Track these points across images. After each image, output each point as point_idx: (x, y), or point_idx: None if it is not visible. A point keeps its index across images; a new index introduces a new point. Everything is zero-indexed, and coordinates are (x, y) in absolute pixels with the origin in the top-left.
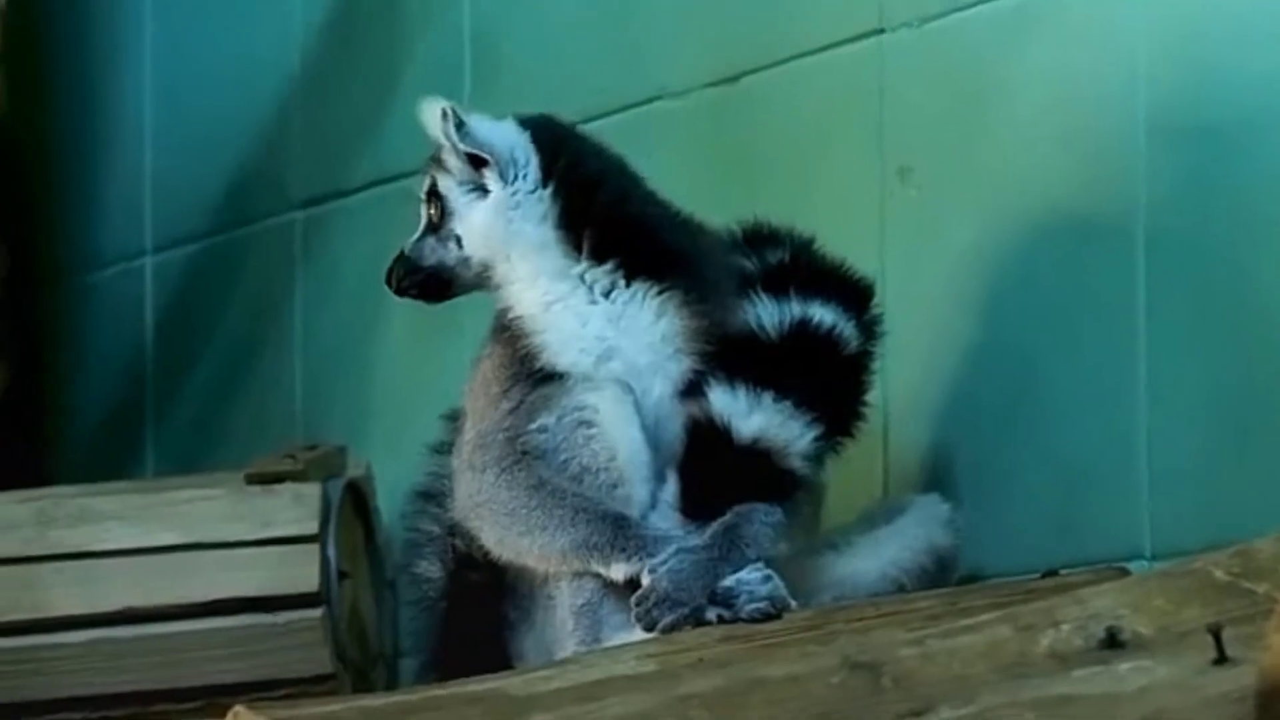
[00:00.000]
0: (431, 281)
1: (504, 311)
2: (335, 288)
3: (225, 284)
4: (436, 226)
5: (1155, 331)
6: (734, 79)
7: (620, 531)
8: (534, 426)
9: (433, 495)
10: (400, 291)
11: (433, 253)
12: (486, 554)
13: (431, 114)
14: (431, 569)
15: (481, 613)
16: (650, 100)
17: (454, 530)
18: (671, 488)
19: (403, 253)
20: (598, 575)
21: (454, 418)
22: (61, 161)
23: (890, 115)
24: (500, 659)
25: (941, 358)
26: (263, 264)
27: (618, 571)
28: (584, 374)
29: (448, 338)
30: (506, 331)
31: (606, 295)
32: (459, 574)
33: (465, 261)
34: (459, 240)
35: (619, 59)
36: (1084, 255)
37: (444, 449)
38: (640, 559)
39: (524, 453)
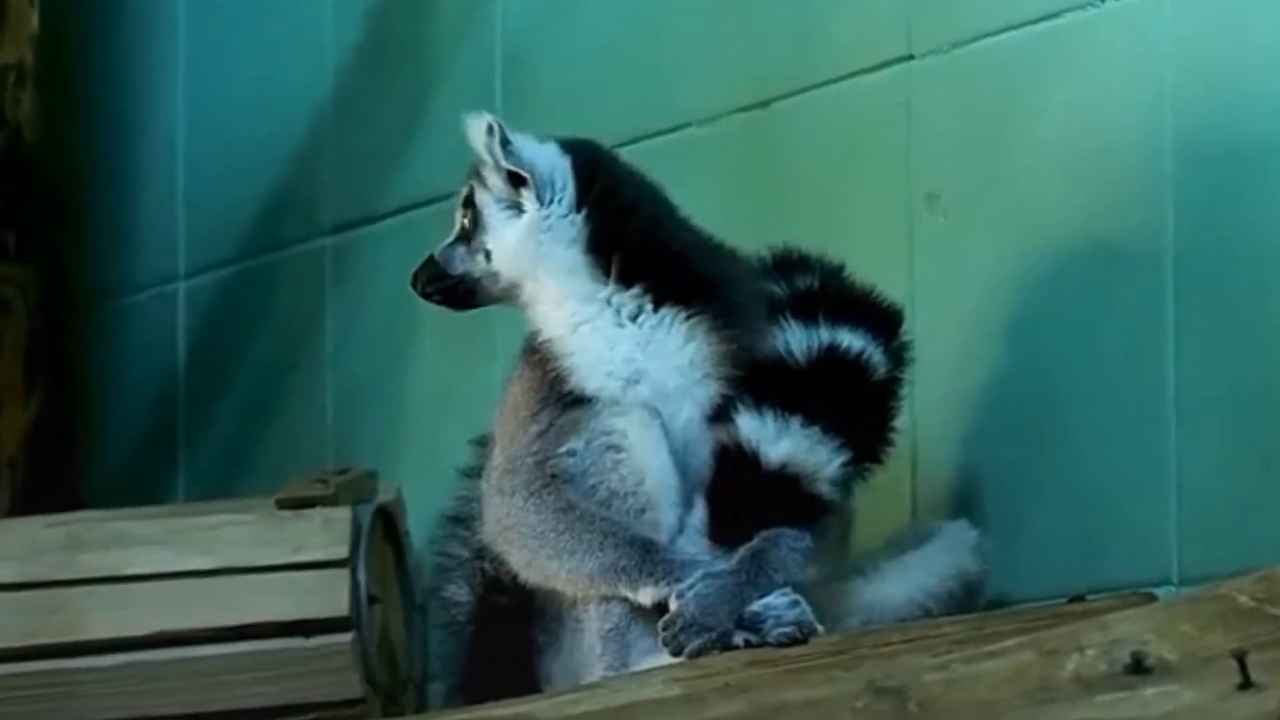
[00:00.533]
0: (457, 290)
1: (534, 334)
2: (366, 312)
3: (257, 309)
4: (468, 236)
5: (1183, 356)
6: (763, 105)
7: (648, 556)
8: (562, 450)
9: (462, 519)
10: (424, 295)
11: (461, 262)
12: (515, 578)
13: (477, 128)
14: (460, 593)
15: (509, 636)
16: (680, 127)
17: (483, 554)
18: (699, 513)
19: (432, 257)
20: (625, 600)
21: (483, 442)
22: (94, 186)
23: (918, 141)
24: (528, 683)
25: (969, 382)
26: (294, 289)
27: (645, 596)
28: (612, 398)
29: (479, 361)
30: (536, 354)
31: (634, 319)
32: (487, 598)
33: (493, 276)
34: (488, 254)
35: (649, 85)
36: (1112, 280)
37: (473, 473)
38: (668, 583)
39: (553, 476)
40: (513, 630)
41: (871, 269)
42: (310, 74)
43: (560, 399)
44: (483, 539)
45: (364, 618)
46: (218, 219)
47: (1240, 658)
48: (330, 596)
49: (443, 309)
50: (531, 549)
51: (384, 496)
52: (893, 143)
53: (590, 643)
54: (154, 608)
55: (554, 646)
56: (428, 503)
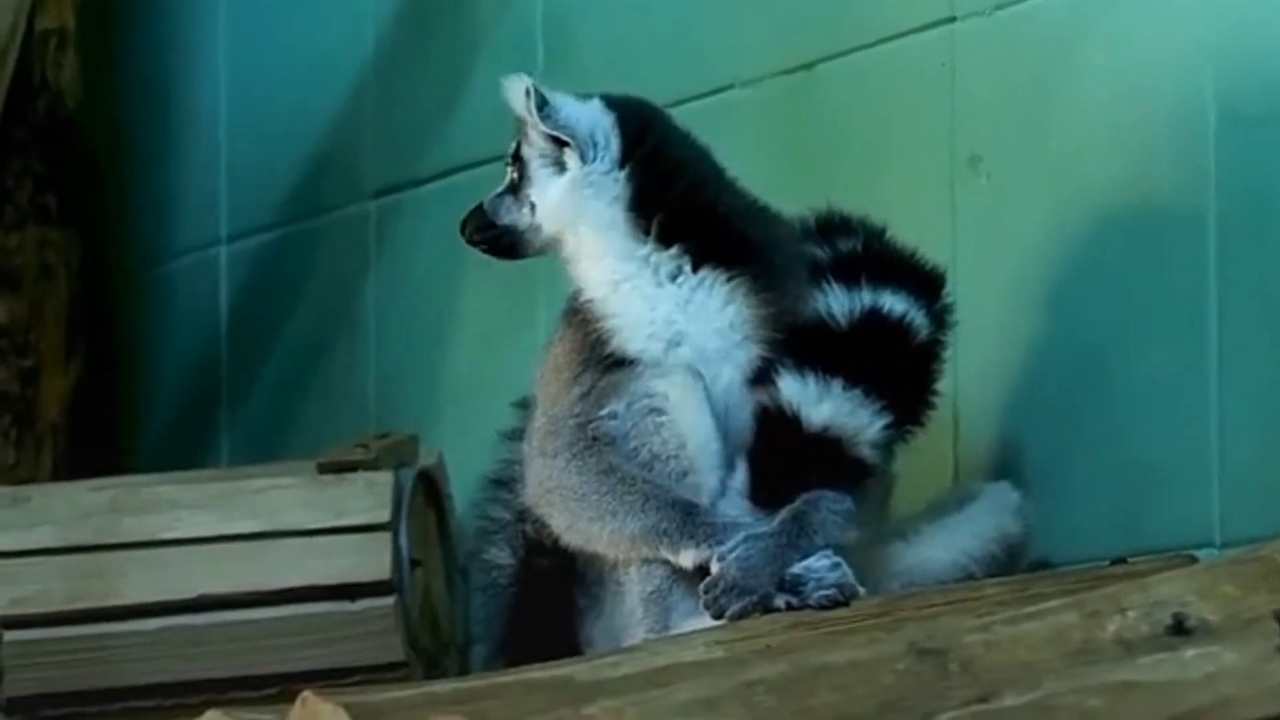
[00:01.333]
0: (501, 240)
1: (576, 295)
2: (409, 277)
3: (299, 274)
4: (515, 188)
5: (1226, 319)
6: (806, 67)
7: (690, 519)
8: (604, 413)
9: (504, 482)
10: (470, 242)
11: (507, 212)
12: (556, 540)
13: (515, 92)
14: (501, 555)
15: (551, 599)
16: (723, 89)
17: (524, 516)
18: (741, 475)
19: (481, 205)
20: (666, 562)
21: (525, 405)
22: (136, 152)
23: (961, 103)
24: (569, 646)
25: (1012, 346)
26: (336, 253)
27: (687, 558)
28: (654, 360)
29: (521, 326)
30: (578, 316)
31: (673, 279)
32: (529, 560)
33: (536, 229)
34: (533, 207)
35: (691, 47)
36: (1154, 243)
37: (515, 436)
38: (709, 546)
39: (594, 439)
40: (554, 593)
41: (913, 232)
42: (352, 37)
43: (602, 361)
44: (524, 501)
45: (406, 581)
46: (260, 183)
47: None
48: (372, 560)
49: (489, 272)
50: (573, 511)
51: (426, 460)
52: (935, 105)
53: (631, 606)
54: (196, 572)
55: (595, 609)
56: (469, 467)
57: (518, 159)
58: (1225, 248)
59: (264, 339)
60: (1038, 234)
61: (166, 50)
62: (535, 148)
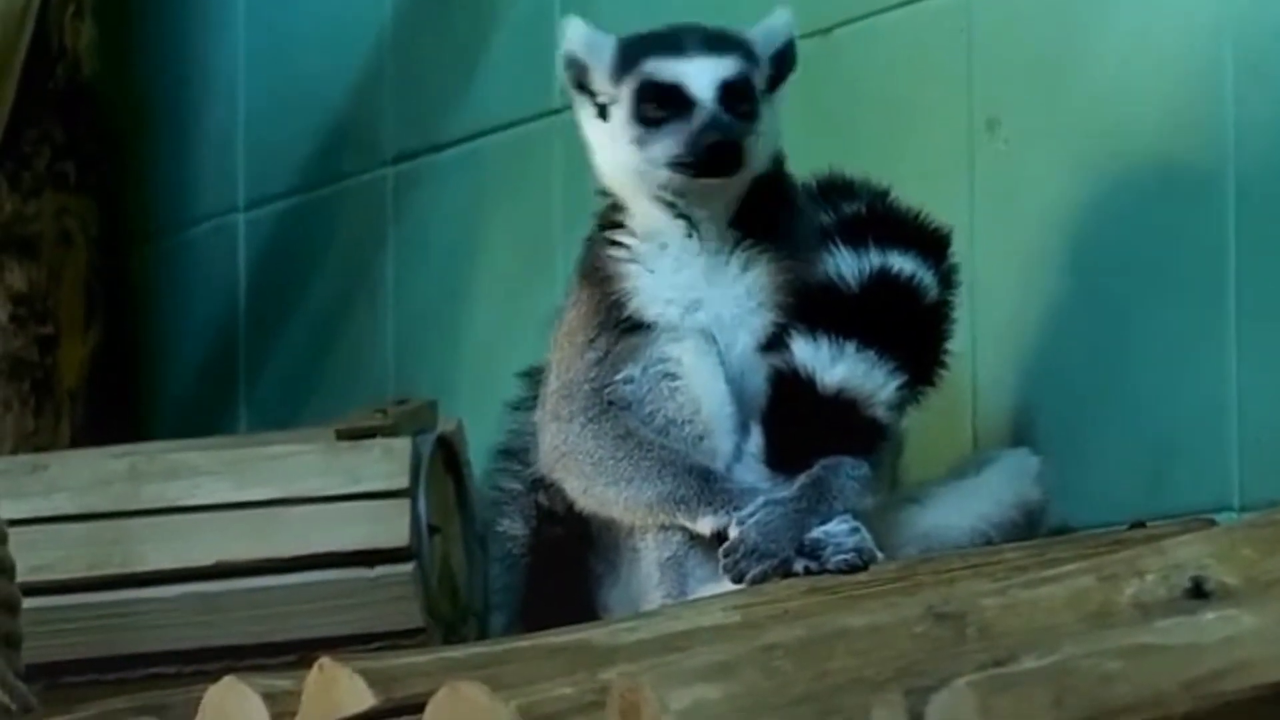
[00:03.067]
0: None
1: (590, 257)
2: (427, 243)
3: (317, 240)
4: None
5: (1245, 282)
6: (824, 31)
7: (707, 484)
8: (620, 377)
9: (514, 452)
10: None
11: None
12: (570, 508)
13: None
14: (515, 526)
15: (566, 567)
16: None
17: (536, 486)
18: (756, 440)
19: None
20: (683, 528)
21: (532, 375)
22: (153, 118)
23: (979, 67)
24: (586, 613)
25: (1030, 310)
26: (355, 220)
27: (705, 525)
28: (670, 325)
29: (540, 293)
30: (594, 277)
31: (699, 245)
32: (542, 530)
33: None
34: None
35: (709, 12)
36: (1173, 205)
37: (523, 406)
38: (728, 512)
39: (610, 403)
40: (570, 561)
41: (932, 196)
42: (370, 3)
43: (618, 325)
44: (538, 468)
45: (424, 548)
46: (278, 150)
47: None
48: (391, 526)
49: (507, 239)
50: (588, 476)
51: (444, 427)
52: (953, 69)
53: (648, 572)
54: (215, 538)
55: (612, 576)
56: (488, 433)
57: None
58: (1244, 210)
59: (282, 306)
60: (1056, 197)
61: (184, 16)
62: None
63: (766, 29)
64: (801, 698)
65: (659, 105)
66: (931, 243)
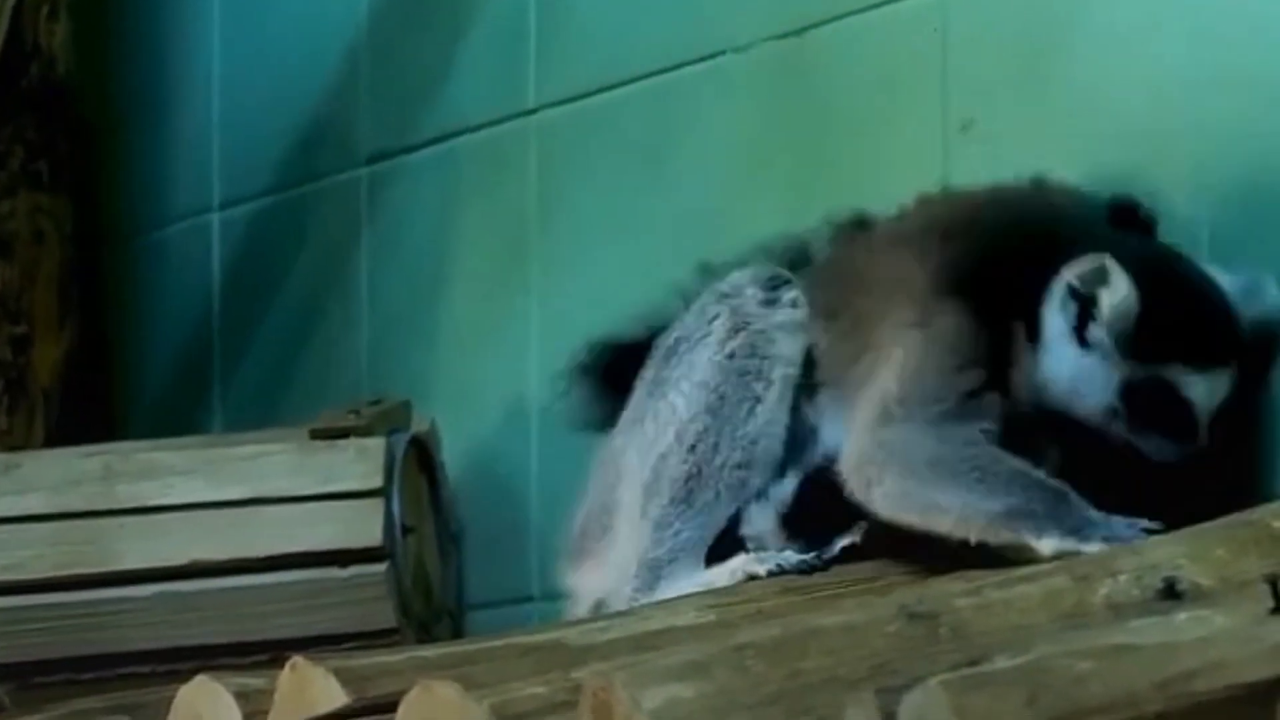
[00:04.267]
0: None
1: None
2: (402, 243)
3: (292, 240)
4: None
5: None
6: (797, 33)
7: (1061, 504)
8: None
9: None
10: None
11: None
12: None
13: None
14: None
15: None
16: (713, 55)
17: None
18: None
19: None
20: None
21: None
22: (128, 117)
23: (954, 68)
24: None
25: None
26: (329, 220)
27: (1048, 544)
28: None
29: (515, 294)
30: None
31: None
32: None
33: None
34: None
35: (682, 12)
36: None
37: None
38: (1077, 538)
39: (963, 409)
40: None
41: (907, 197)
42: (345, 3)
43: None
44: (842, 462)
45: (398, 547)
46: (252, 150)
47: (1273, 582)
48: (364, 526)
49: (482, 239)
50: (921, 479)
51: (418, 427)
52: (928, 69)
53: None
54: (188, 538)
55: None
56: (462, 433)
57: None
58: (1218, 212)
59: (256, 306)
60: None
61: (159, 15)
62: None
63: None
64: (774, 697)
65: None
66: None
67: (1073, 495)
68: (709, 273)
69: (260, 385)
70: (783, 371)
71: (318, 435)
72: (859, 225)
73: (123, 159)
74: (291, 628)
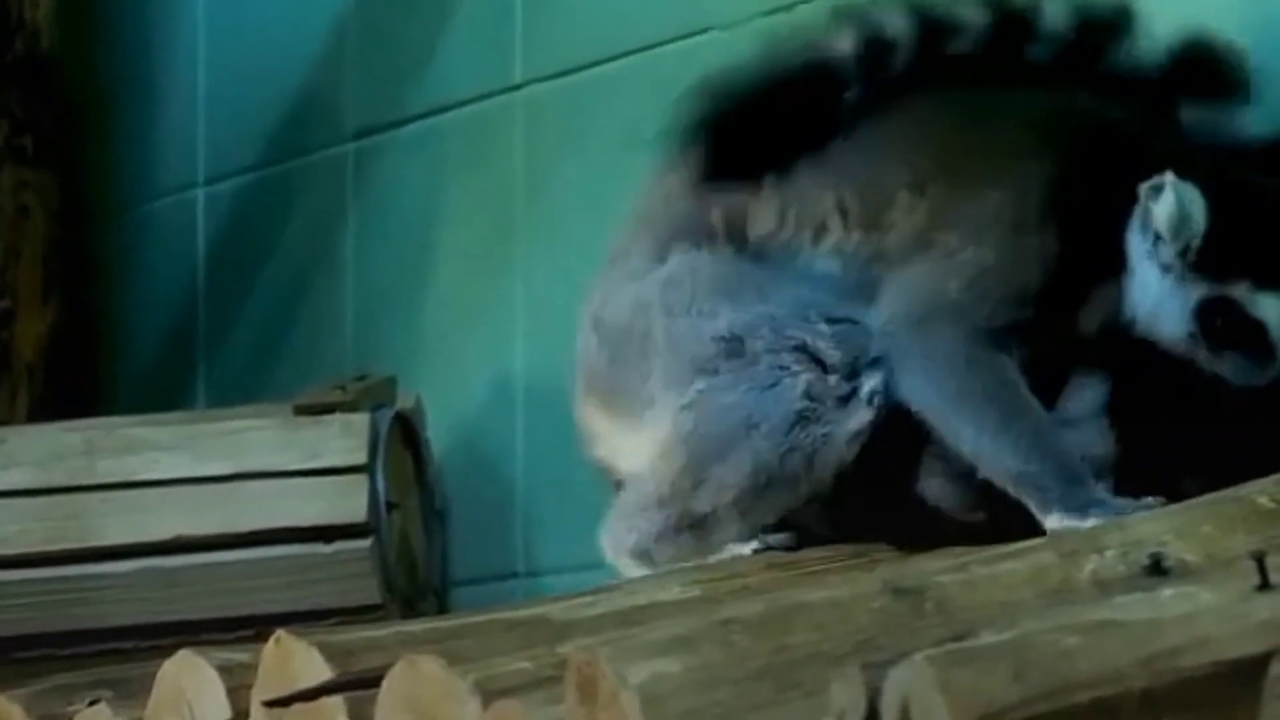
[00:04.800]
0: None
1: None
2: (388, 219)
3: (278, 216)
4: None
5: None
6: (786, 8)
7: (1072, 486)
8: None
9: None
10: None
11: None
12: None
13: None
14: None
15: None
16: (702, 31)
17: None
18: None
19: None
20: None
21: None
22: (113, 93)
23: None
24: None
25: None
26: (315, 195)
27: (1053, 521)
28: None
29: (500, 271)
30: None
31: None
32: None
33: None
34: None
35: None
36: None
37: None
38: (1080, 516)
39: (1005, 340)
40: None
41: None
42: None
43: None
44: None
45: (383, 523)
46: (238, 124)
47: (1260, 559)
48: (349, 502)
49: (468, 215)
50: (945, 398)
51: (403, 402)
52: None
53: None
54: (172, 513)
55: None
56: (448, 409)
57: None
58: None
59: (241, 281)
60: None
61: None
62: None
63: None
64: (759, 672)
65: None
66: None
67: (1083, 475)
68: None
69: (245, 361)
70: None
71: (302, 411)
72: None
73: (108, 134)
74: (276, 603)
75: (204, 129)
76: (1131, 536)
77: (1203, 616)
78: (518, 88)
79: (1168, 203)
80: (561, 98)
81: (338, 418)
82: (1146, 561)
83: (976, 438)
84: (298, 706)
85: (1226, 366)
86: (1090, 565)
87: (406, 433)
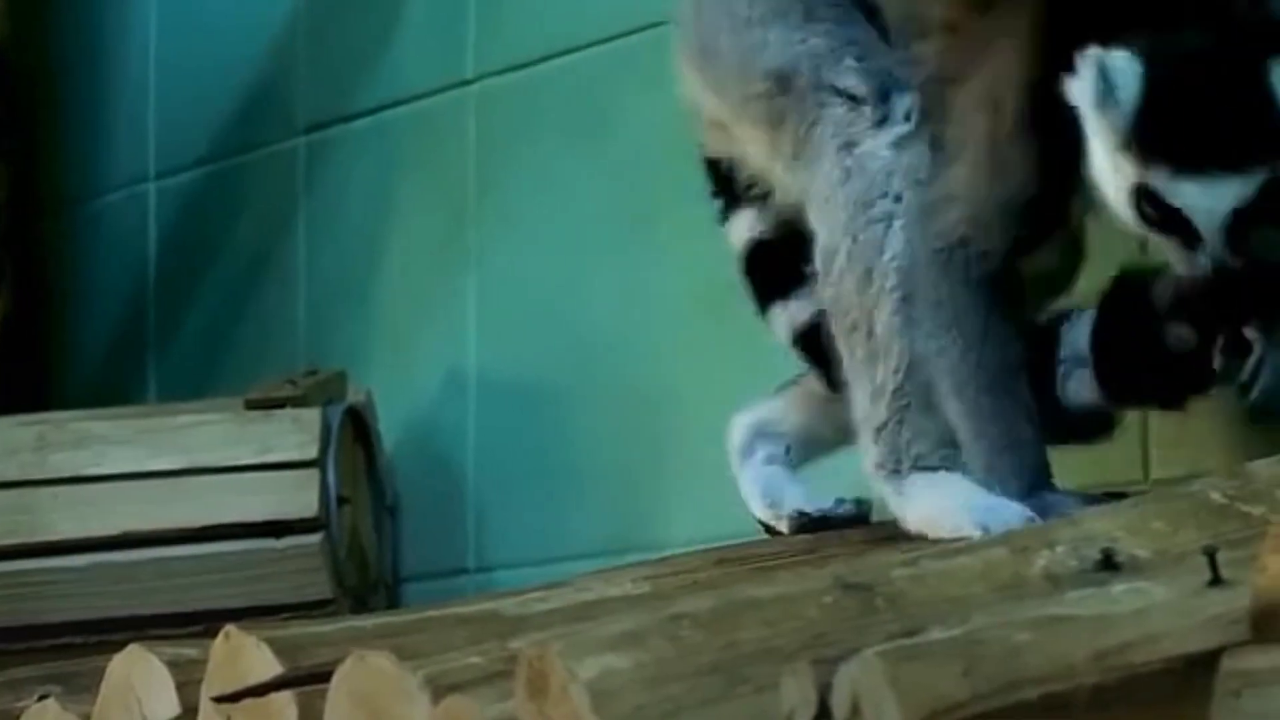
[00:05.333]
0: None
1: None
2: (339, 213)
3: (229, 210)
4: None
5: None
6: None
7: (1035, 484)
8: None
9: None
10: None
11: None
12: None
13: None
14: None
15: None
16: (654, 25)
17: None
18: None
19: None
20: None
21: None
22: (65, 86)
23: None
24: None
25: None
26: (266, 190)
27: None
28: None
29: (453, 265)
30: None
31: None
32: None
33: None
34: None
35: None
36: None
37: None
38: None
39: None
40: None
41: None
42: None
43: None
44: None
45: (333, 518)
46: (189, 119)
47: (1211, 554)
48: (299, 497)
49: (420, 210)
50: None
51: (354, 397)
52: None
53: None
54: (122, 508)
55: None
56: (399, 404)
57: None
58: None
59: (193, 275)
60: None
61: None
62: None
63: None
64: (710, 667)
65: None
66: None
67: (1048, 471)
68: None
69: (196, 355)
70: None
71: (253, 405)
72: None
73: (60, 128)
74: (226, 598)
75: (155, 123)
76: (1083, 532)
77: (1154, 612)
78: (470, 82)
79: (1088, 76)
80: (514, 92)
81: (289, 412)
82: (1098, 557)
83: (955, 403)
84: (247, 702)
85: (1171, 254)
86: (1041, 561)
87: (358, 427)
